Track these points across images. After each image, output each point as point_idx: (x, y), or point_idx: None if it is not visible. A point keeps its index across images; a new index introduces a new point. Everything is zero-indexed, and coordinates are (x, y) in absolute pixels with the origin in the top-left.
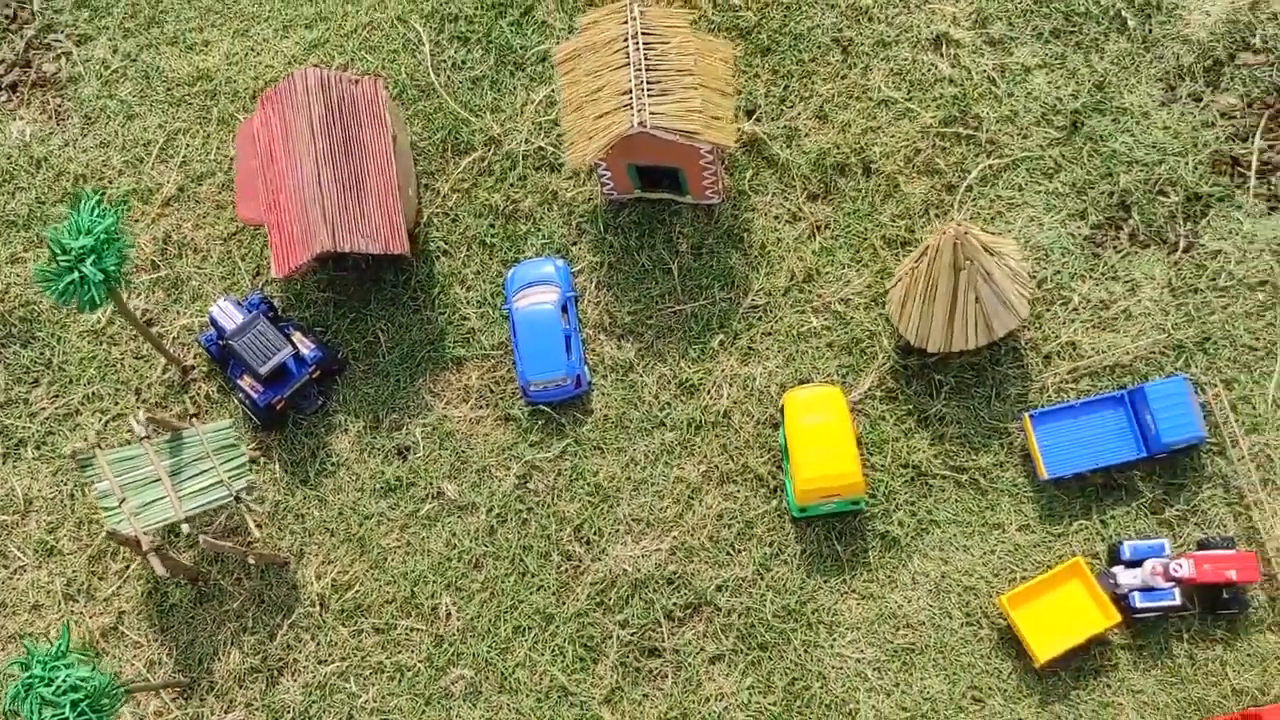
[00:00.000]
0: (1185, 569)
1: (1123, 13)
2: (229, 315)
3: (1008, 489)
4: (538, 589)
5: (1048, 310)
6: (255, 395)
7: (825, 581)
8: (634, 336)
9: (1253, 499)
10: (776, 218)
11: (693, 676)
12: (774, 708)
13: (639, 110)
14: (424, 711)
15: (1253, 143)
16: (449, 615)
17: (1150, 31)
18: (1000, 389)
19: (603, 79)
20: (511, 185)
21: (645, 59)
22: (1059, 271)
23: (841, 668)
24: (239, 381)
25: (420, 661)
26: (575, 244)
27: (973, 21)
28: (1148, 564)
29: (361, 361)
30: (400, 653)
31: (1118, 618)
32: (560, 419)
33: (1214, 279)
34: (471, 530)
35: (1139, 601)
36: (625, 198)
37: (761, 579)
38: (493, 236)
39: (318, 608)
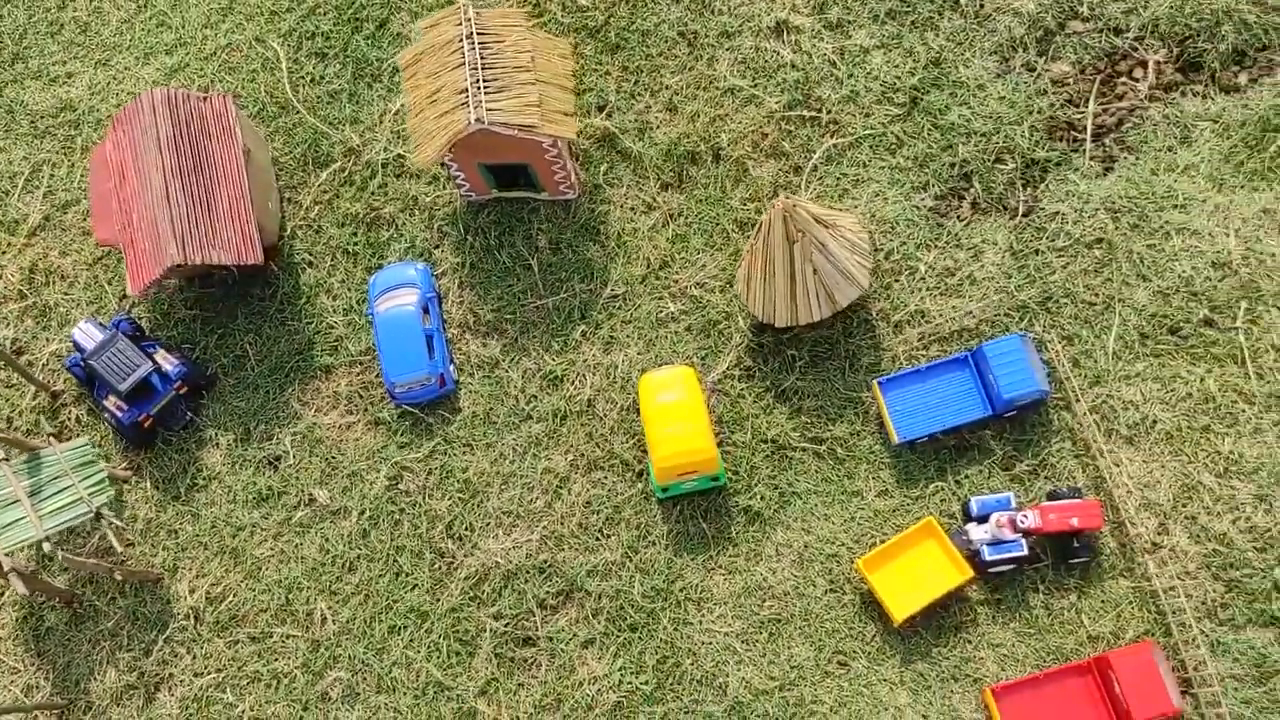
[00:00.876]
0: (1031, 519)
1: None
2: (90, 336)
3: (865, 456)
4: (412, 588)
5: (896, 281)
6: (120, 414)
7: (692, 559)
8: (498, 333)
9: (1097, 449)
10: (632, 209)
11: (566, 662)
12: (645, 687)
13: (475, 107)
14: (302, 717)
15: (1087, 107)
16: (324, 620)
17: (982, 6)
18: (853, 360)
19: (441, 79)
20: (372, 194)
21: (481, 58)
22: (904, 243)
23: (710, 643)
24: (104, 402)
25: (297, 668)
26: (438, 247)
27: (812, 8)
28: (994, 517)
29: (231, 376)
30: (277, 660)
31: (970, 573)
32: (428, 419)
33: (1053, 240)
34: (344, 534)
35: (989, 554)
36: (483, 199)
37: (630, 561)
38: (355, 245)
39: (192, 621)
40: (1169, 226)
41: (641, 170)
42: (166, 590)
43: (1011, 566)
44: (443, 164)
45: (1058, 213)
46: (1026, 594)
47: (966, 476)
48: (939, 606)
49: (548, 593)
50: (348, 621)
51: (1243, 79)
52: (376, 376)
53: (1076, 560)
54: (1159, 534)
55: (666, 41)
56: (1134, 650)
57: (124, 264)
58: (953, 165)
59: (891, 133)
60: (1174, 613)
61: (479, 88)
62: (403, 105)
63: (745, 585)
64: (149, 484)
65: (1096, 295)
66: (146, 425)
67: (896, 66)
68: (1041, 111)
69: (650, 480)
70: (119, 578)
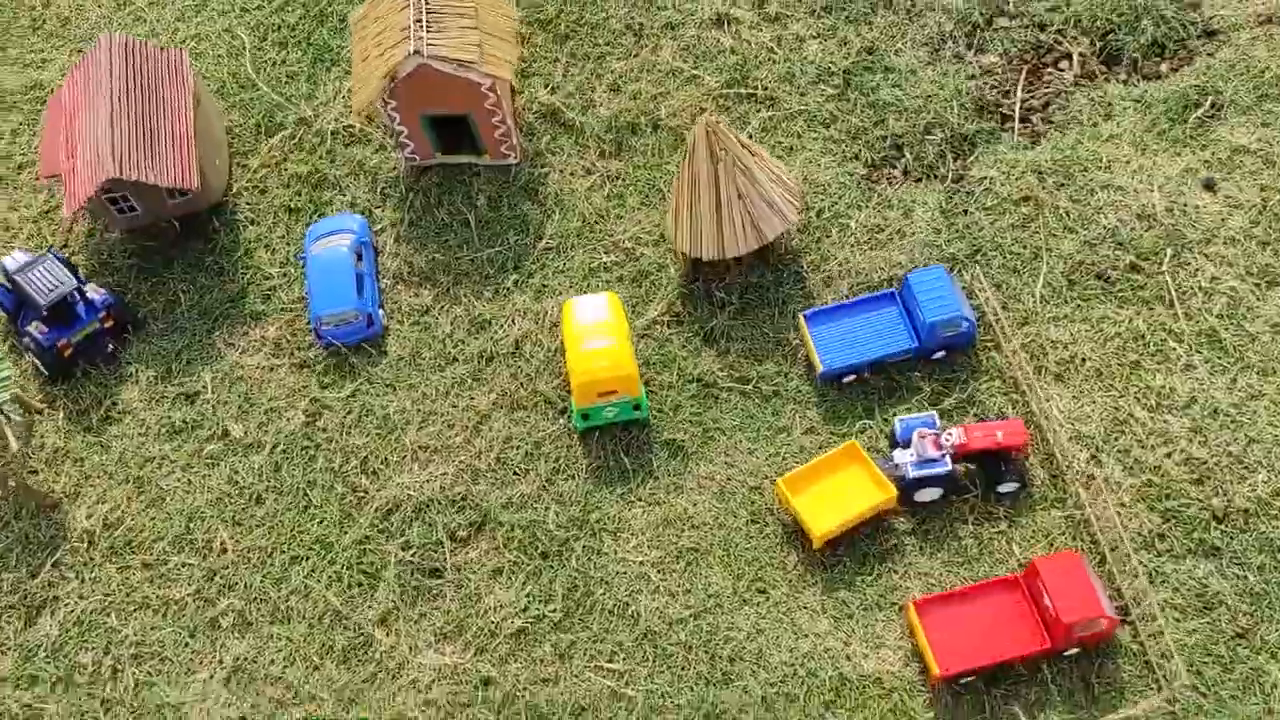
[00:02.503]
0: (955, 435)
1: None
2: (19, 261)
3: (792, 396)
4: (319, 520)
5: (826, 236)
6: (41, 337)
7: (611, 492)
8: (431, 283)
9: (1026, 384)
10: (571, 174)
11: (472, 591)
12: (554, 614)
13: (416, 40)
14: (188, 643)
15: (1015, 95)
16: (224, 549)
17: (913, 4)
18: (783, 307)
19: (385, 22)
20: (320, 158)
21: (426, 4)
22: (836, 203)
23: (624, 572)
24: (27, 328)
25: (189, 595)
26: (379, 207)
27: (751, 3)
28: (917, 433)
29: (160, 320)
30: (169, 587)
31: (893, 491)
32: (353, 360)
33: (982, 201)
34: (255, 468)
35: (913, 471)
36: (427, 163)
37: (546, 493)
38: (298, 202)
39: (85, 545)
40: (1094, 184)
41: (583, 140)
42: (64, 515)
43: (938, 495)
44: (388, 123)
45: (986, 177)
46: (955, 525)
47: (894, 414)
48: (863, 533)
49: (460, 524)
50: (248, 551)
51: (1164, 68)
52: (307, 323)
53: (1006, 488)
54: (1091, 465)
55: (614, 33)
56: (1062, 557)
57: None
58: (884, 138)
59: (826, 109)
60: (1110, 543)
61: (421, 25)
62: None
63: (664, 516)
64: (61, 415)
65: (1024, 247)
66: (66, 354)
67: (831, 54)
68: (970, 93)
69: (572, 413)
70: (12, 484)
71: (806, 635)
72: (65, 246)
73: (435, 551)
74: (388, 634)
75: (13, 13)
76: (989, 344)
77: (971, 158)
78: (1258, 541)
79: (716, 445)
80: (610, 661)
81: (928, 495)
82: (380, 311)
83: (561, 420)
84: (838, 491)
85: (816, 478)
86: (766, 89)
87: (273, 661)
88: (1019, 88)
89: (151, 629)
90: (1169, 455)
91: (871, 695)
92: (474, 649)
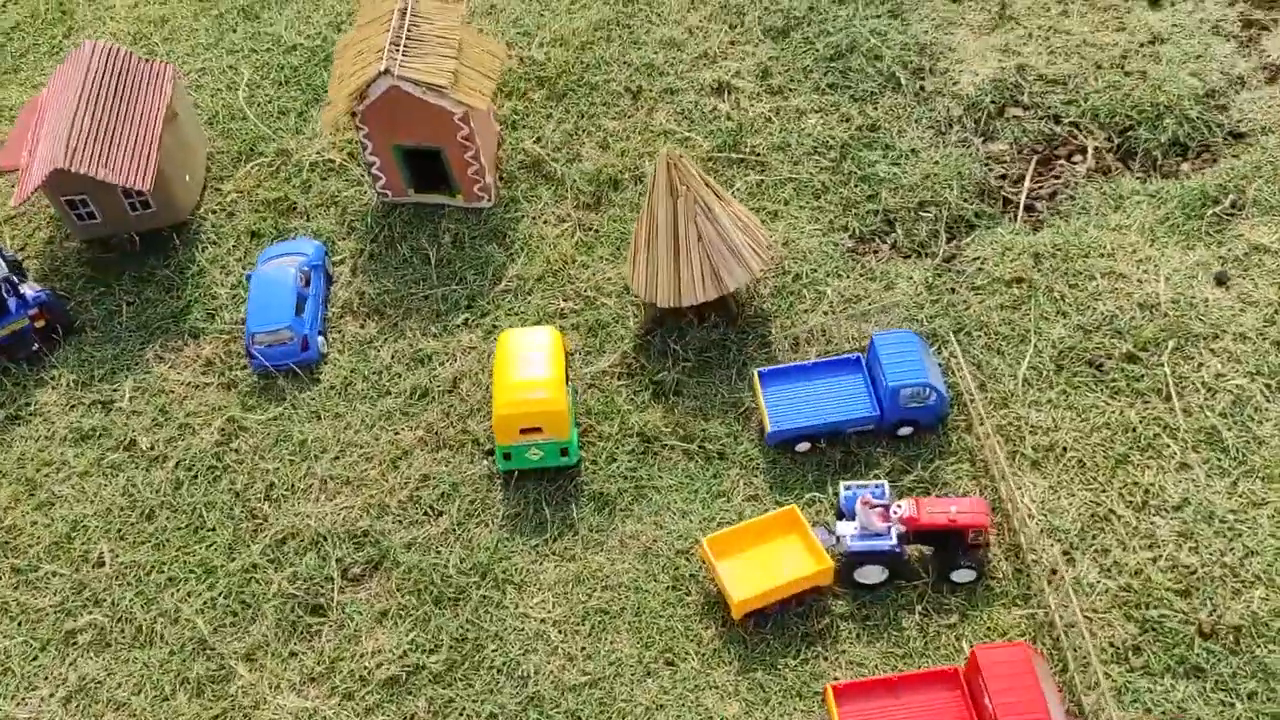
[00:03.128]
0: (906, 508)
1: (897, 74)
2: None
3: (739, 460)
4: (209, 544)
5: (800, 302)
6: None
7: (524, 542)
8: (379, 316)
9: (998, 469)
10: (545, 221)
11: (353, 633)
12: (435, 665)
13: (389, 60)
14: (37, 656)
15: (1023, 185)
16: (101, 562)
17: (922, 89)
18: (743, 369)
19: (366, 44)
20: (293, 187)
21: (407, 32)
22: (815, 270)
23: (521, 629)
24: None
25: (51, 606)
26: (343, 238)
27: (755, 75)
28: (861, 500)
29: (98, 329)
30: (33, 595)
31: (829, 564)
32: (282, 384)
33: (972, 279)
34: (154, 483)
35: (853, 545)
36: (400, 200)
37: (453, 537)
38: (262, 227)
39: None
40: (1095, 270)
41: (561, 191)
42: None
43: (882, 577)
44: (360, 153)
45: (980, 257)
46: (899, 612)
47: (848, 489)
48: (794, 611)
49: (355, 560)
50: (125, 567)
51: (1184, 167)
52: (245, 344)
53: (960, 577)
54: (1063, 563)
55: (612, 94)
56: (1009, 648)
57: (33, 224)
58: (876, 212)
59: (818, 180)
60: (1075, 650)
61: (397, 49)
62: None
63: (577, 573)
64: None
65: (1012, 328)
66: None
67: (831, 128)
68: (972, 175)
69: (496, 452)
70: None
71: (712, 718)
72: (23, 250)
73: (323, 587)
74: (251, 669)
75: (33, 39)
76: (961, 424)
77: (967, 239)
78: (1250, 665)
79: (648, 504)
80: None
81: (870, 576)
82: (321, 339)
83: (486, 462)
84: (768, 559)
85: (747, 542)
86: (758, 155)
87: (120, 685)
88: (1028, 176)
89: (4, 636)
90: (1153, 560)
91: None
92: (340, 694)
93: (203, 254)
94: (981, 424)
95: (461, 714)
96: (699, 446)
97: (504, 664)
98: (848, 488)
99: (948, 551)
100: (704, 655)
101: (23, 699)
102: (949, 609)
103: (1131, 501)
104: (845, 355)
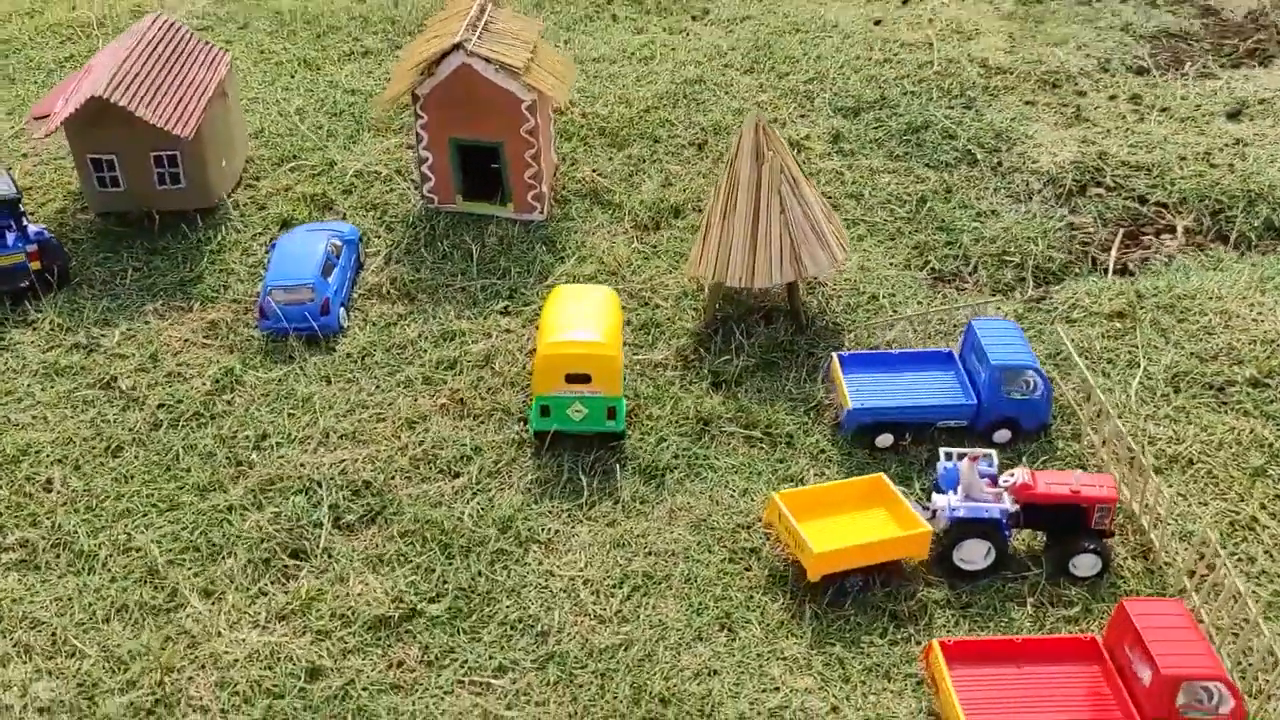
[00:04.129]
0: (1020, 476)
1: (972, 150)
2: None
3: (809, 449)
4: (181, 484)
5: (875, 316)
6: None
7: (555, 505)
8: (409, 300)
9: (1122, 465)
10: (599, 236)
11: (338, 576)
12: (435, 613)
13: (464, 39)
14: None
15: (1109, 256)
16: (49, 488)
17: (999, 164)
18: (814, 370)
19: (440, 30)
20: (333, 186)
21: (485, 24)
22: (893, 292)
23: (544, 585)
24: None
25: None
26: (379, 236)
27: (827, 139)
28: (966, 464)
29: (95, 288)
30: None
31: (925, 527)
32: (294, 347)
33: (1067, 314)
34: (128, 421)
35: (953, 513)
36: (445, 207)
37: (471, 494)
38: (297, 214)
39: None
40: (1203, 307)
41: (619, 214)
42: None
43: (987, 562)
44: (413, 146)
45: (1074, 295)
46: (1006, 604)
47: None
48: (876, 589)
49: (351, 508)
50: (77, 494)
51: None
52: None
53: (1082, 566)
54: (1202, 569)
55: (678, 145)
56: (1161, 603)
57: (47, 180)
58: (955, 256)
59: (892, 226)
60: (1234, 657)
61: (473, 30)
62: (397, 143)
63: (616, 537)
64: None
65: (1117, 354)
66: None
67: (905, 185)
68: (1058, 231)
69: (530, 411)
70: None
71: (778, 689)
72: (33, 216)
73: (308, 532)
74: (207, 603)
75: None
76: (1066, 432)
77: (1056, 286)
78: None
79: (703, 481)
80: (494, 677)
81: (973, 558)
82: (342, 310)
83: (516, 428)
84: (850, 520)
85: (826, 502)
86: (830, 199)
87: (44, 606)
88: (1115, 244)
89: None
90: None
91: None
92: (311, 633)
93: (225, 237)
94: (1105, 417)
95: (463, 665)
96: (763, 433)
97: (520, 620)
98: (948, 455)
99: (1068, 535)
100: (768, 626)
101: None
102: (1069, 600)
103: (1276, 512)
104: (935, 349)
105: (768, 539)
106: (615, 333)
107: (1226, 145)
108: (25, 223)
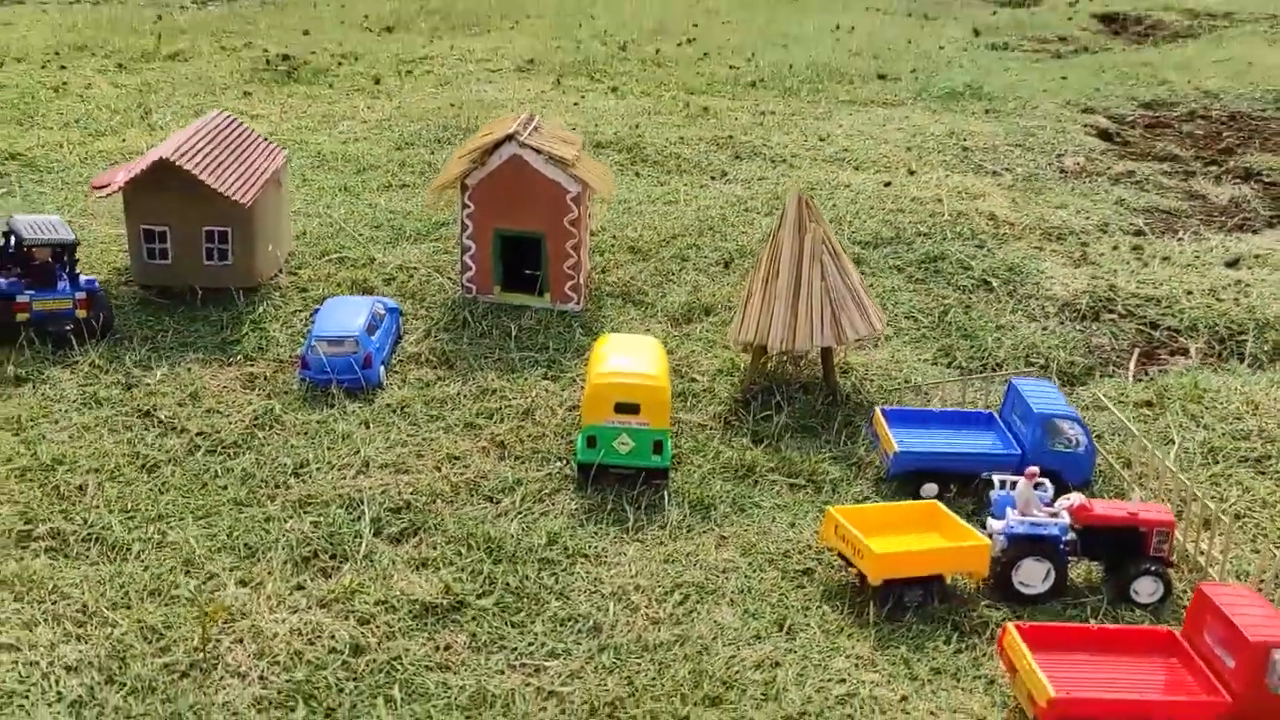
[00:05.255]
0: (1077, 499)
1: (988, 279)
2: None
3: (854, 496)
4: (219, 498)
5: (903, 398)
6: (3, 282)
7: (600, 528)
8: (448, 366)
9: (1175, 505)
10: (634, 327)
11: (381, 573)
12: (483, 605)
13: (517, 132)
14: None
15: (1127, 371)
16: (83, 490)
17: (1013, 291)
18: (854, 434)
19: (490, 130)
20: (374, 274)
21: (534, 127)
22: (923, 379)
23: (595, 590)
24: None
25: (11, 512)
26: (418, 317)
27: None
28: (1023, 479)
29: (137, 340)
30: None
31: (985, 540)
32: (336, 395)
33: (1096, 402)
34: (165, 446)
35: (1012, 529)
36: (484, 297)
37: (515, 515)
38: (337, 294)
39: None
40: (1230, 398)
41: (652, 311)
42: None
43: (1047, 584)
44: (458, 235)
45: (1099, 391)
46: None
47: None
48: (937, 604)
49: (391, 523)
50: (113, 499)
51: None
52: (297, 360)
53: (1144, 592)
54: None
55: (704, 261)
56: (1234, 586)
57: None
58: (980, 358)
59: (913, 333)
60: None
61: (524, 128)
62: (433, 249)
63: (667, 555)
64: None
65: (1148, 434)
66: (19, 315)
67: (924, 301)
68: (1077, 345)
69: (576, 446)
70: None
71: (844, 680)
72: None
73: (349, 539)
74: (246, 589)
75: None
76: (1110, 487)
77: (1080, 385)
78: None
79: (749, 517)
80: (548, 660)
81: (1032, 580)
82: (382, 369)
83: (559, 465)
84: (909, 538)
85: (881, 523)
86: None
87: (74, 584)
88: (1133, 360)
89: None
90: None
91: None
92: (355, 617)
93: (267, 310)
94: (1141, 488)
95: (513, 651)
96: (807, 480)
97: (570, 618)
98: (1000, 483)
99: (1126, 560)
100: (829, 630)
101: None
102: (1134, 620)
103: None
104: (975, 410)
105: (820, 563)
106: (664, 370)
107: (1229, 285)
108: (77, 271)
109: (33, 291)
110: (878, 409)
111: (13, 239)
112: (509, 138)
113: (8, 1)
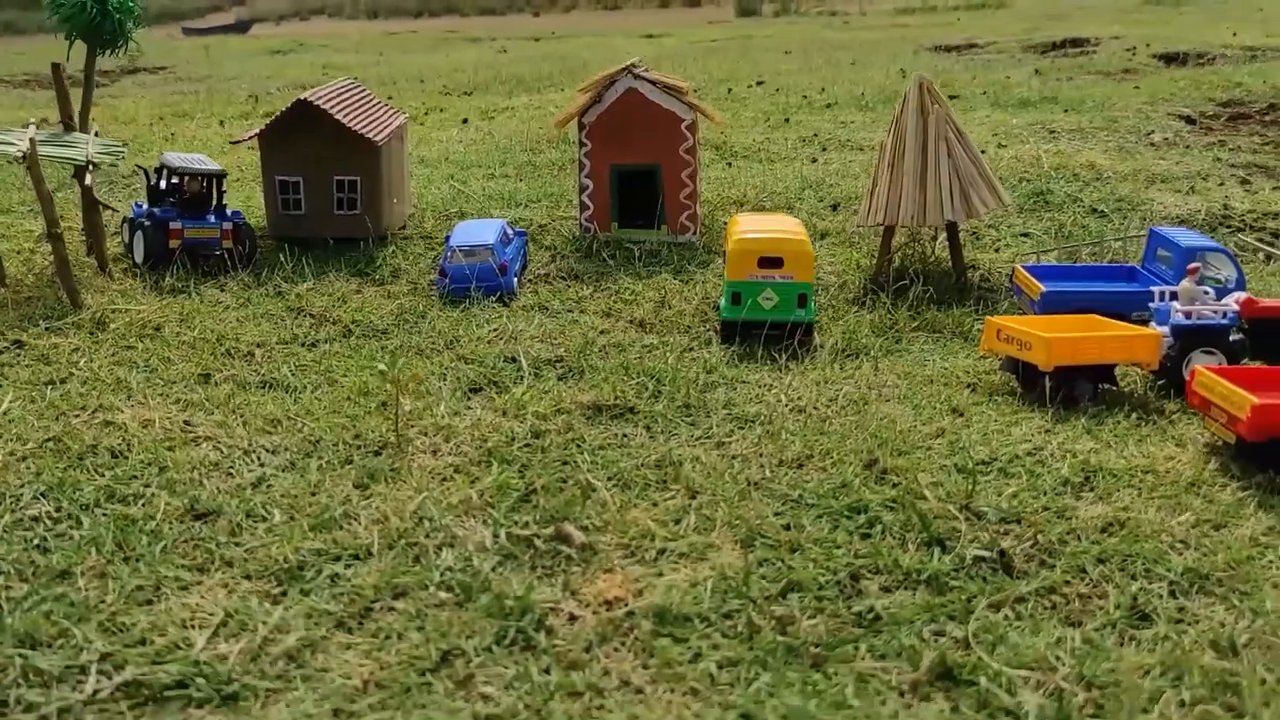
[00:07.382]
0: (1242, 295)
1: (1099, 209)
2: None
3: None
4: (379, 362)
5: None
6: (159, 211)
7: (755, 366)
8: (576, 280)
9: None
10: None
11: (553, 389)
12: (655, 406)
13: (632, 65)
14: (162, 388)
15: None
16: (255, 357)
17: (1126, 217)
18: (991, 306)
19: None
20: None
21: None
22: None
23: (759, 399)
24: (147, 208)
25: (188, 371)
26: (542, 249)
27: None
28: (1185, 282)
29: (280, 267)
30: (165, 364)
31: (1154, 331)
32: (473, 298)
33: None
34: (322, 331)
35: (1181, 321)
36: (603, 236)
37: (665, 356)
38: None
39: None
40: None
41: None
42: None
43: None
44: (578, 174)
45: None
46: None
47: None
48: (1109, 394)
49: (547, 370)
50: (279, 361)
51: None
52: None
53: None
54: None
55: (813, 206)
56: None
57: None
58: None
59: (1033, 245)
60: None
61: (637, 66)
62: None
63: (825, 378)
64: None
65: None
66: (173, 242)
67: (1036, 224)
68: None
69: (722, 302)
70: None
71: (1028, 440)
72: None
73: (513, 377)
74: (422, 403)
75: None
76: None
77: None
78: None
79: (901, 357)
80: (729, 436)
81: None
82: (515, 280)
83: (702, 331)
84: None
85: (1046, 328)
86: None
87: (259, 404)
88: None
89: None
90: None
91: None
92: (528, 418)
93: (395, 251)
94: None
95: (688, 436)
96: (952, 332)
97: (741, 416)
98: (1161, 295)
99: None
100: (1003, 414)
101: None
102: None
103: None
104: (1116, 264)
105: (982, 383)
106: (804, 232)
107: None
108: (224, 203)
109: (184, 220)
110: (1018, 264)
111: (164, 176)
112: (625, 69)
113: (117, 79)
